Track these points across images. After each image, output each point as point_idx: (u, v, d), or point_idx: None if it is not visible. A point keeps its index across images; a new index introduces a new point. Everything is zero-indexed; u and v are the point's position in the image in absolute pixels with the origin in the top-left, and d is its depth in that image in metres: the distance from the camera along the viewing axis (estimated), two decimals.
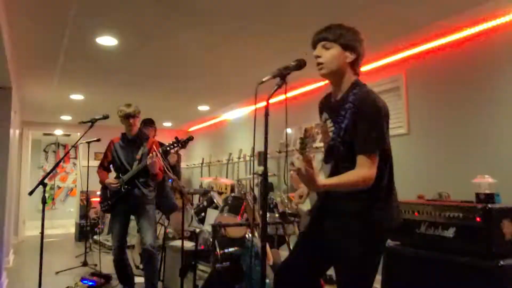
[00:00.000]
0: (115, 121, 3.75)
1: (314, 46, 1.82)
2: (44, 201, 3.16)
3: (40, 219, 3.19)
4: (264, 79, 1.72)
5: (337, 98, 1.84)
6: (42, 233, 3.22)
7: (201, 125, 8.46)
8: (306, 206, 1.91)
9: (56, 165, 3.51)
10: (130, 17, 3.08)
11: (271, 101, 1.70)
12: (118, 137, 3.76)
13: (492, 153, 3.07)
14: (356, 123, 1.69)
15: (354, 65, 1.81)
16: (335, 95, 1.87)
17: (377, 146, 1.68)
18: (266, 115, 1.64)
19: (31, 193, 3.17)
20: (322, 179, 1.63)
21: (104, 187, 3.69)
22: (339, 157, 1.76)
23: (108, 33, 3.39)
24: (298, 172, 1.53)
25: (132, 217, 3.71)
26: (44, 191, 3.15)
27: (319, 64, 1.79)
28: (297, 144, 1.57)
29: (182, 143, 4.82)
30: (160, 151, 3.37)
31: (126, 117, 3.58)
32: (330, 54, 1.77)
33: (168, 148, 3.42)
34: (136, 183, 3.55)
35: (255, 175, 3.59)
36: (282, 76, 1.72)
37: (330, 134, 1.80)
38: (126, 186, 3.54)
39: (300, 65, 1.75)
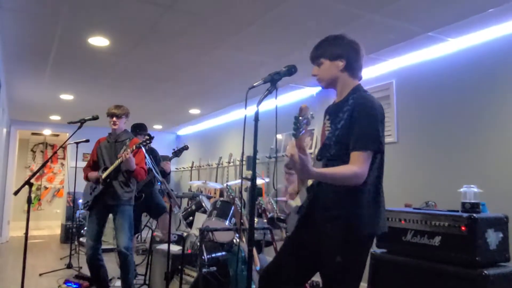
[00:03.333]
0: (104, 122, 3.73)
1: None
2: (29, 201, 3.11)
3: (25, 219, 3.15)
4: (255, 84, 1.74)
5: (338, 101, 1.92)
6: (26, 234, 3.17)
7: (192, 128, 8.43)
8: (296, 202, 1.92)
9: (43, 165, 3.47)
10: (122, 18, 3.07)
11: (263, 106, 1.71)
12: (105, 137, 3.81)
13: (479, 163, 3.11)
14: (352, 123, 1.73)
15: (350, 69, 1.87)
16: (337, 99, 1.94)
17: (370, 145, 1.71)
18: (256, 120, 1.65)
19: (16, 192, 3.13)
20: (315, 168, 1.63)
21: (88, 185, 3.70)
22: (331, 156, 1.79)
23: (100, 33, 3.37)
24: (291, 158, 1.53)
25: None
26: (30, 191, 3.11)
27: (317, 80, 1.94)
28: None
29: (177, 152, 4.84)
30: (134, 149, 3.40)
31: (110, 116, 3.67)
32: (322, 69, 1.90)
33: (140, 145, 3.43)
34: (113, 182, 3.54)
35: (244, 180, 3.57)
36: (273, 82, 1.74)
37: (326, 133, 1.85)
38: (104, 183, 3.52)
39: (291, 71, 1.77)
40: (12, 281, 4.41)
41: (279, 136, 5.37)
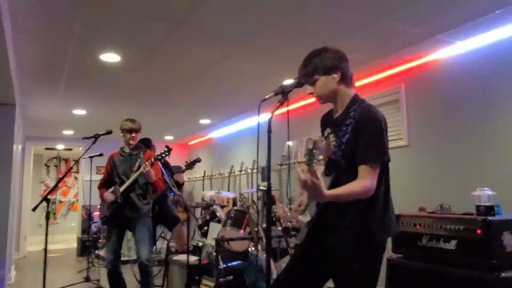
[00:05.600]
0: (115, 135, 3.80)
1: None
2: (47, 217, 3.18)
3: (41, 234, 3.20)
4: (266, 97, 1.79)
5: (338, 113, 1.91)
6: (45, 248, 3.23)
7: (203, 138, 8.49)
8: (306, 217, 1.94)
9: (60, 180, 3.54)
10: (133, 34, 3.14)
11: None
12: (117, 151, 3.85)
13: (492, 165, 3.09)
14: (357, 136, 1.74)
15: (344, 79, 1.87)
16: (336, 111, 1.94)
17: (378, 157, 1.72)
18: (269, 132, 1.68)
19: (34, 208, 3.21)
20: (328, 190, 1.66)
21: (104, 200, 3.74)
22: (340, 170, 1.80)
23: (111, 50, 3.44)
24: (304, 184, 1.56)
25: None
26: (48, 207, 3.18)
27: (315, 97, 1.92)
28: (302, 155, 1.60)
29: (190, 165, 4.88)
30: (154, 161, 3.47)
31: (130, 131, 3.70)
32: (318, 86, 1.87)
33: (159, 157, 3.49)
34: (131, 195, 3.59)
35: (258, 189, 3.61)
36: (284, 93, 1.77)
37: (332, 147, 1.85)
38: (121, 197, 3.57)
39: (301, 82, 1.81)
40: None
41: (290, 143, 5.39)
